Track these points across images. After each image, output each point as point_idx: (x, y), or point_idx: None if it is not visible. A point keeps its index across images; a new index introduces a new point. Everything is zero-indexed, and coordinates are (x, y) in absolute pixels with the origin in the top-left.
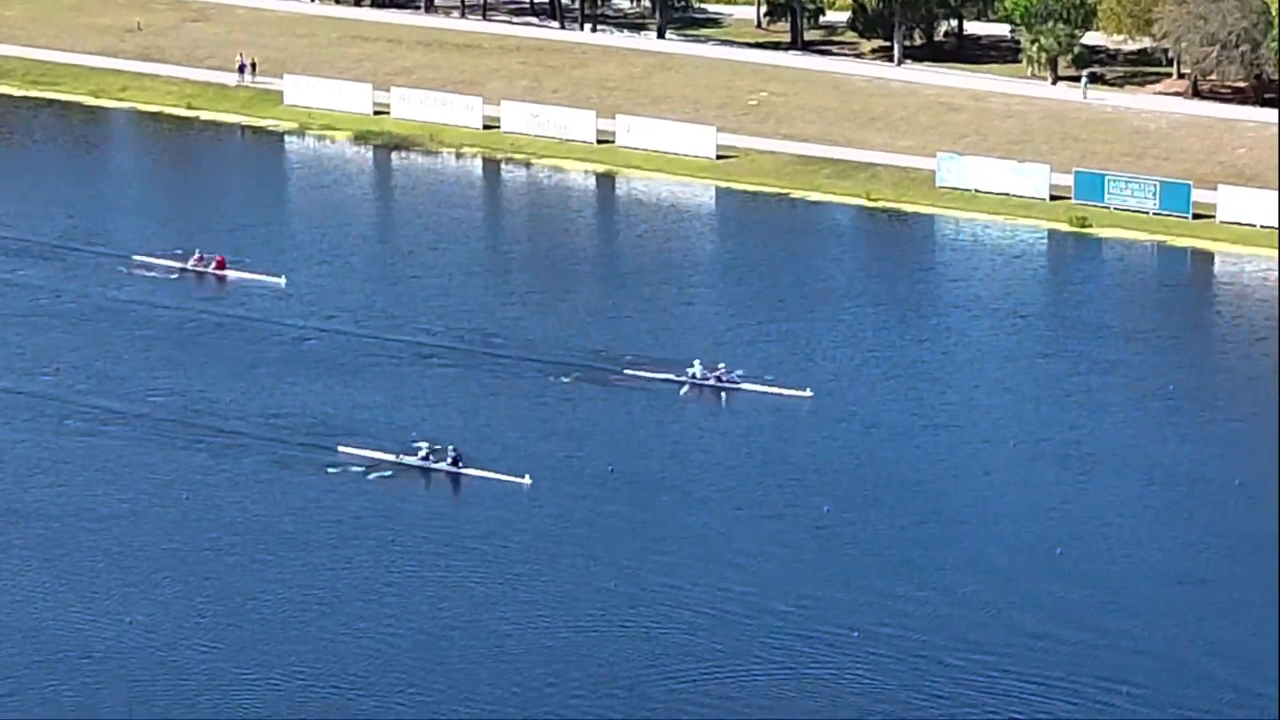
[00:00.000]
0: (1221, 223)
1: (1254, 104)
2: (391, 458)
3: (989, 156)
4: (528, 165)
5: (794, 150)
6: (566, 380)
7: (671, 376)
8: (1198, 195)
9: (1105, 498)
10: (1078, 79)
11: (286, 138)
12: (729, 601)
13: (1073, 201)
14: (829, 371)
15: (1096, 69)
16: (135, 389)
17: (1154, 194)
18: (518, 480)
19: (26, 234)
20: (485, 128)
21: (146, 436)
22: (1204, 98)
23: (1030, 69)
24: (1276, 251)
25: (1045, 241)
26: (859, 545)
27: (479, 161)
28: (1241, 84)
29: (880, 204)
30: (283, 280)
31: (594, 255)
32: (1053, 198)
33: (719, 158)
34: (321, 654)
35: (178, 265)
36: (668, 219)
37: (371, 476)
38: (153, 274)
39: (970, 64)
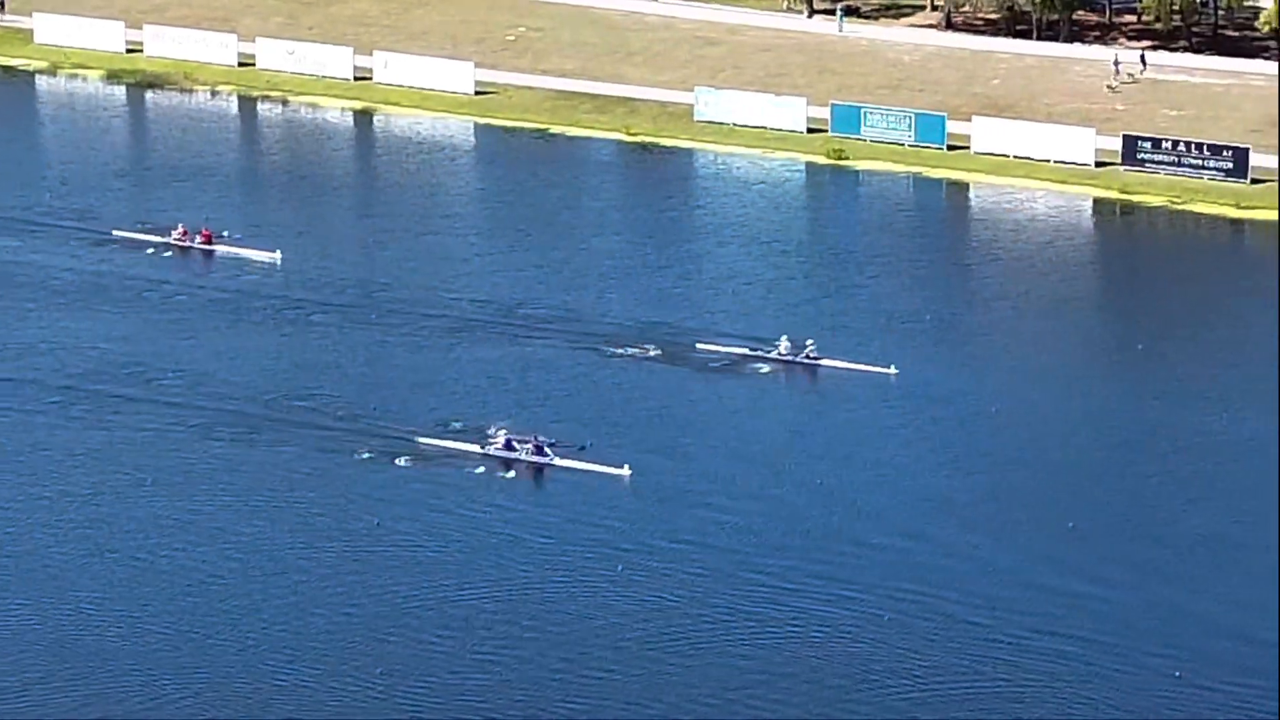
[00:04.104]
0: (976, 154)
1: (1006, 35)
2: (476, 449)
3: (746, 90)
4: (284, 103)
5: (553, 85)
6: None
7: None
8: (952, 127)
9: (852, 419)
10: (833, 12)
11: (38, 77)
12: None
13: (829, 134)
14: (585, 301)
15: (851, 2)
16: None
17: (909, 126)
18: (616, 471)
19: None
20: (240, 65)
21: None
22: (957, 30)
23: (786, 2)
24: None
25: (802, 174)
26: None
27: (234, 100)
28: (994, 15)
29: (639, 138)
30: (278, 255)
31: (355, 190)
32: (810, 130)
33: (477, 94)
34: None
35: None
36: (425, 155)
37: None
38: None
39: None
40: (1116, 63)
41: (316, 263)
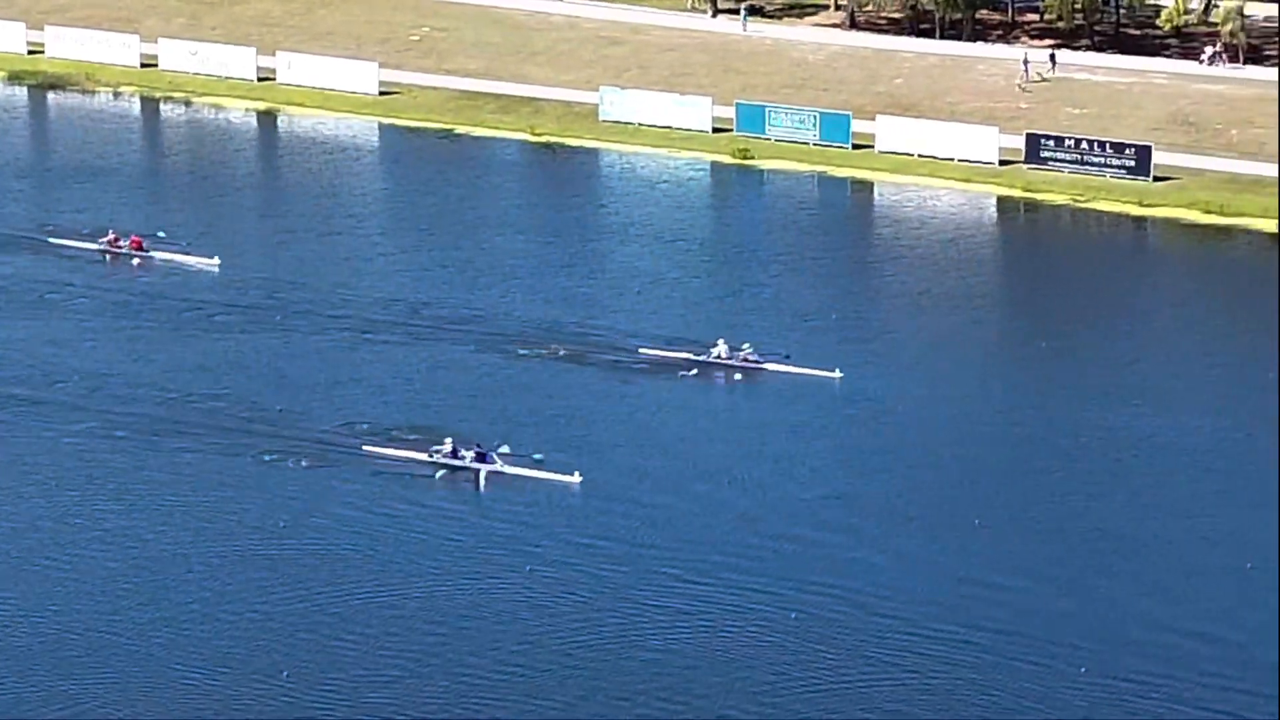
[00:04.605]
0: (880, 152)
1: (910, 34)
2: (422, 456)
3: (651, 90)
4: (187, 104)
5: (457, 86)
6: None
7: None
8: (857, 125)
9: (756, 415)
10: (737, 12)
11: None
12: None
13: (734, 134)
14: (492, 301)
15: (755, 2)
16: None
17: (814, 125)
18: (567, 479)
19: None
20: (143, 66)
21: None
22: (861, 29)
23: (690, 2)
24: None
25: (708, 173)
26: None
27: (137, 100)
28: (897, 15)
29: (544, 138)
30: (216, 262)
31: (259, 191)
32: (715, 130)
33: (382, 94)
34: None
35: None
36: (329, 156)
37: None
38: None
39: None
40: (1026, 62)
41: (230, 265)
